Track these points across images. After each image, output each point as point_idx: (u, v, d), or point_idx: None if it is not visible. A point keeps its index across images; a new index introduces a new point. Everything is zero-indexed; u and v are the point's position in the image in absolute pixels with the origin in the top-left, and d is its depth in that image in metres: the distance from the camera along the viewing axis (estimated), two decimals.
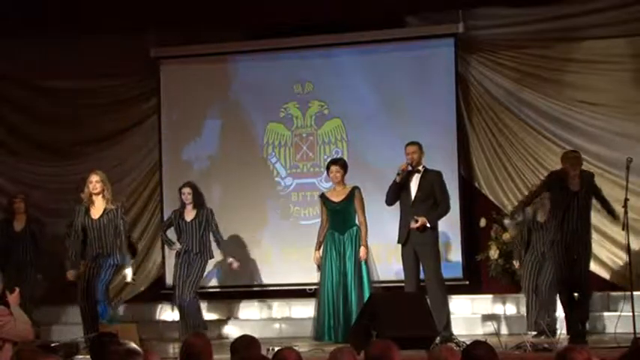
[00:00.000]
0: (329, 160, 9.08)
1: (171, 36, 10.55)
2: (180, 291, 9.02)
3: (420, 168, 8.27)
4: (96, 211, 8.57)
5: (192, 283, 9.03)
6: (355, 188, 8.63)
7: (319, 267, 8.67)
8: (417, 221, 8.08)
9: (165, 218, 10.02)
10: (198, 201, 9.17)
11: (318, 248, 8.69)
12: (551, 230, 8.11)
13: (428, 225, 8.12)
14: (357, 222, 8.64)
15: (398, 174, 8.17)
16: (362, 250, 8.49)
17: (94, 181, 8.56)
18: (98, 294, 8.48)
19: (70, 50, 10.44)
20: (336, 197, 8.66)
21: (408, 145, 8.35)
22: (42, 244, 9.58)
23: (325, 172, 9.11)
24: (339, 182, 8.65)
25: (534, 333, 8.48)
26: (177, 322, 9.28)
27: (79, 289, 8.78)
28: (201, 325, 9.04)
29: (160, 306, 10.13)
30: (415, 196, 8.21)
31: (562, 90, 9.72)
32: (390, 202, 8.38)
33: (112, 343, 4.23)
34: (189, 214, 9.15)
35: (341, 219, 8.64)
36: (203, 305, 9.83)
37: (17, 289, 5.93)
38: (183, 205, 9.21)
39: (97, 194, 8.58)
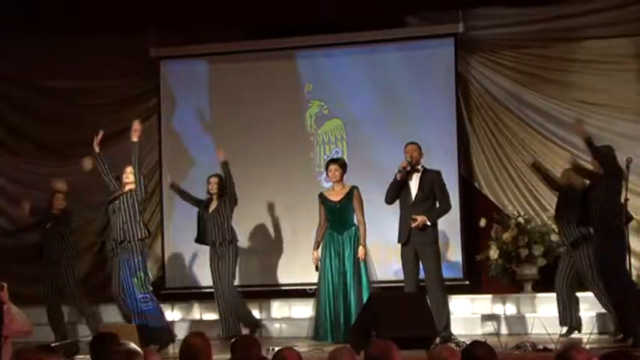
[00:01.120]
0: (328, 159, 9.08)
1: (171, 36, 10.56)
2: (217, 287, 9.04)
3: (419, 167, 8.28)
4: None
5: (226, 277, 9.01)
6: (354, 188, 8.63)
7: (317, 267, 8.67)
8: (415, 220, 8.08)
9: (164, 217, 10.07)
10: (222, 191, 9.18)
11: (316, 248, 8.68)
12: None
13: (428, 223, 8.12)
14: (355, 222, 8.63)
15: (399, 172, 8.17)
16: (360, 249, 8.48)
17: (128, 172, 8.50)
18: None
19: (70, 50, 10.45)
20: (335, 197, 8.65)
21: (407, 144, 8.35)
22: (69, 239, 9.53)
23: (325, 171, 9.11)
24: (337, 181, 8.64)
25: (565, 329, 8.38)
26: (176, 321, 9.29)
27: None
28: (250, 318, 9.09)
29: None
30: (416, 196, 8.20)
31: (562, 90, 9.72)
32: (389, 201, 8.37)
33: (112, 343, 4.22)
34: (212, 205, 9.19)
35: (340, 218, 8.63)
36: (202, 305, 9.84)
37: (5, 285, 5.90)
38: (210, 198, 9.23)
39: (129, 183, 8.50)
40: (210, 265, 9.15)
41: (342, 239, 8.57)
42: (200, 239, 9.32)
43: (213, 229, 9.09)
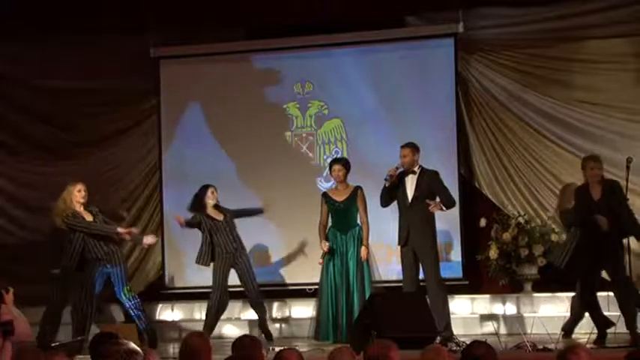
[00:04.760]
0: (332, 159, 9.05)
1: (171, 36, 10.54)
2: (216, 296, 8.88)
3: (416, 169, 8.22)
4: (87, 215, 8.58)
5: (254, 281, 8.93)
6: (358, 188, 8.62)
7: (322, 258, 8.59)
8: (429, 204, 8.08)
9: (164, 217, 10.03)
10: (218, 201, 9.05)
11: (324, 238, 8.61)
12: None
13: (444, 208, 8.16)
14: (359, 222, 8.61)
15: (385, 179, 8.13)
16: (363, 250, 8.47)
17: (83, 190, 8.54)
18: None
19: (70, 50, 10.44)
20: (339, 197, 8.64)
21: (401, 147, 8.31)
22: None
23: (324, 171, 9.10)
24: (341, 181, 8.63)
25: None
26: (176, 321, 9.28)
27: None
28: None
29: (159, 306, 10.12)
30: (413, 197, 8.17)
31: (562, 90, 9.72)
32: (383, 204, 8.35)
33: (112, 343, 4.22)
34: (218, 214, 8.96)
35: (344, 218, 8.61)
36: (202, 305, 9.82)
37: (11, 290, 5.91)
38: (201, 207, 8.98)
39: (83, 204, 8.57)
40: (223, 269, 8.89)
41: (345, 239, 8.55)
42: (205, 258, 8.97)
43: (228, 235, 8.89)
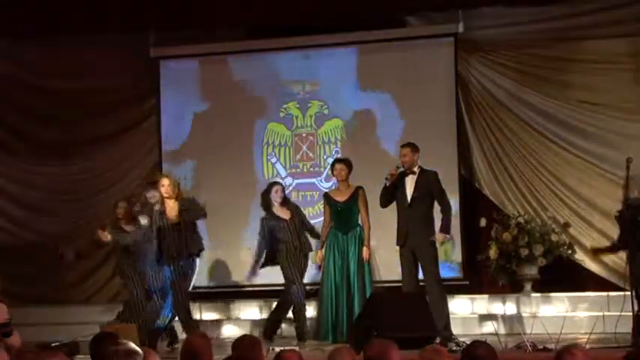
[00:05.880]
0: (334, 158, 9.03)
1: (172, 36, 10.55)
2: (297, 289, 8.67)
3: (415, 169, 8.18)
4: (171, 213, 8.19)
5: (302, 280, 8.75)
6: (359, 188, 8.59)
7: (320, 267, 8.64)
8: (435, 240, 8.06)
9: None
10: (286, 198, 8.89)
11: (321, 247, 8.63)
12: None
13: (447, 237, 8.16)
14: (360, 222, 8.59)
15: (386, 178, 8.11)
16: (365, 250, 8.45)
17: (166, 185, 8.17)
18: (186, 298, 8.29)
19: (70, 50, 10.45)
20: (341, 197, 8.62)
21: (401, 146, 8.30)
22: None
23: (324, 171, 9.09)
24: (343, 181, 8.61)
25: None
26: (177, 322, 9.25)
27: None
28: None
29: None
30: (412, 197, 8.13)
31: (562, 90, 9.73)
32: (383, 205, 8.31)
33: (112, 343, 4.22)
34: (285, 213, 8.77)
35: (345, 219, 8.59)
36: (203, 305, 9.83)
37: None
38: (268, 205, 8.80)
39: (169, 198, 8.19)
40: (290, 269, 8.69)
41: (346, 239, 8.53)
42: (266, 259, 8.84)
43: (295, 235, 8.70)
